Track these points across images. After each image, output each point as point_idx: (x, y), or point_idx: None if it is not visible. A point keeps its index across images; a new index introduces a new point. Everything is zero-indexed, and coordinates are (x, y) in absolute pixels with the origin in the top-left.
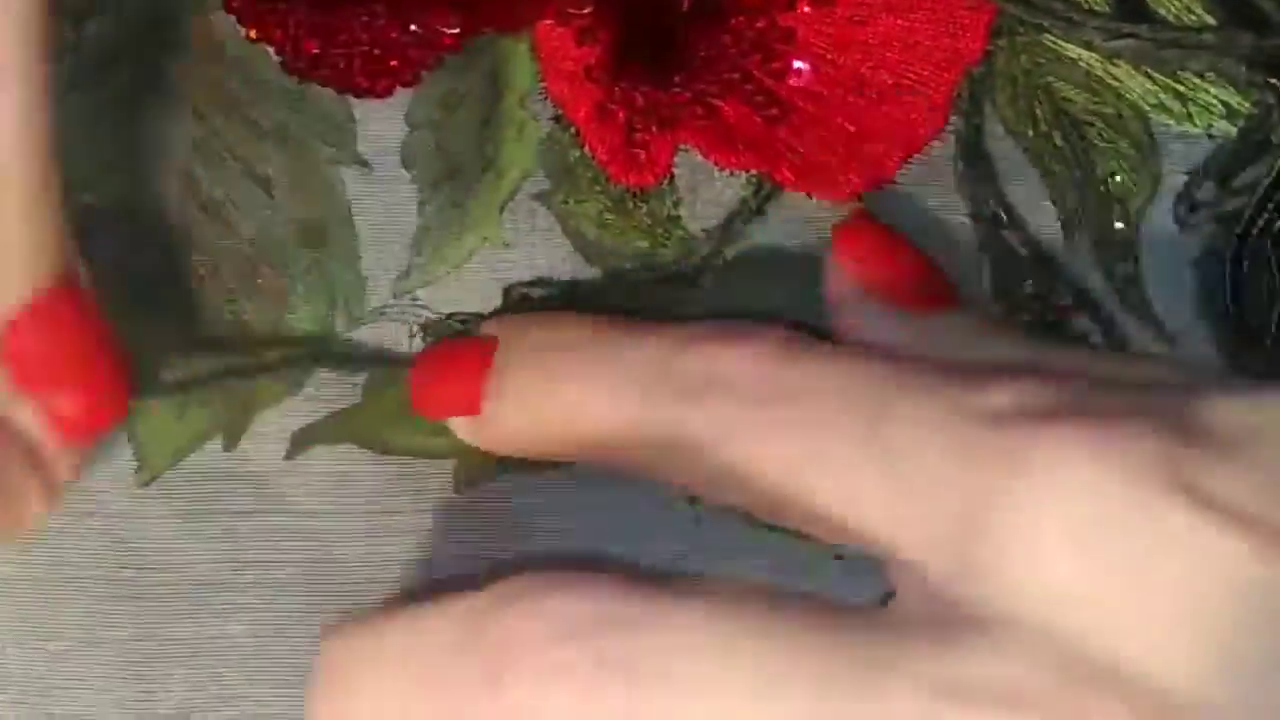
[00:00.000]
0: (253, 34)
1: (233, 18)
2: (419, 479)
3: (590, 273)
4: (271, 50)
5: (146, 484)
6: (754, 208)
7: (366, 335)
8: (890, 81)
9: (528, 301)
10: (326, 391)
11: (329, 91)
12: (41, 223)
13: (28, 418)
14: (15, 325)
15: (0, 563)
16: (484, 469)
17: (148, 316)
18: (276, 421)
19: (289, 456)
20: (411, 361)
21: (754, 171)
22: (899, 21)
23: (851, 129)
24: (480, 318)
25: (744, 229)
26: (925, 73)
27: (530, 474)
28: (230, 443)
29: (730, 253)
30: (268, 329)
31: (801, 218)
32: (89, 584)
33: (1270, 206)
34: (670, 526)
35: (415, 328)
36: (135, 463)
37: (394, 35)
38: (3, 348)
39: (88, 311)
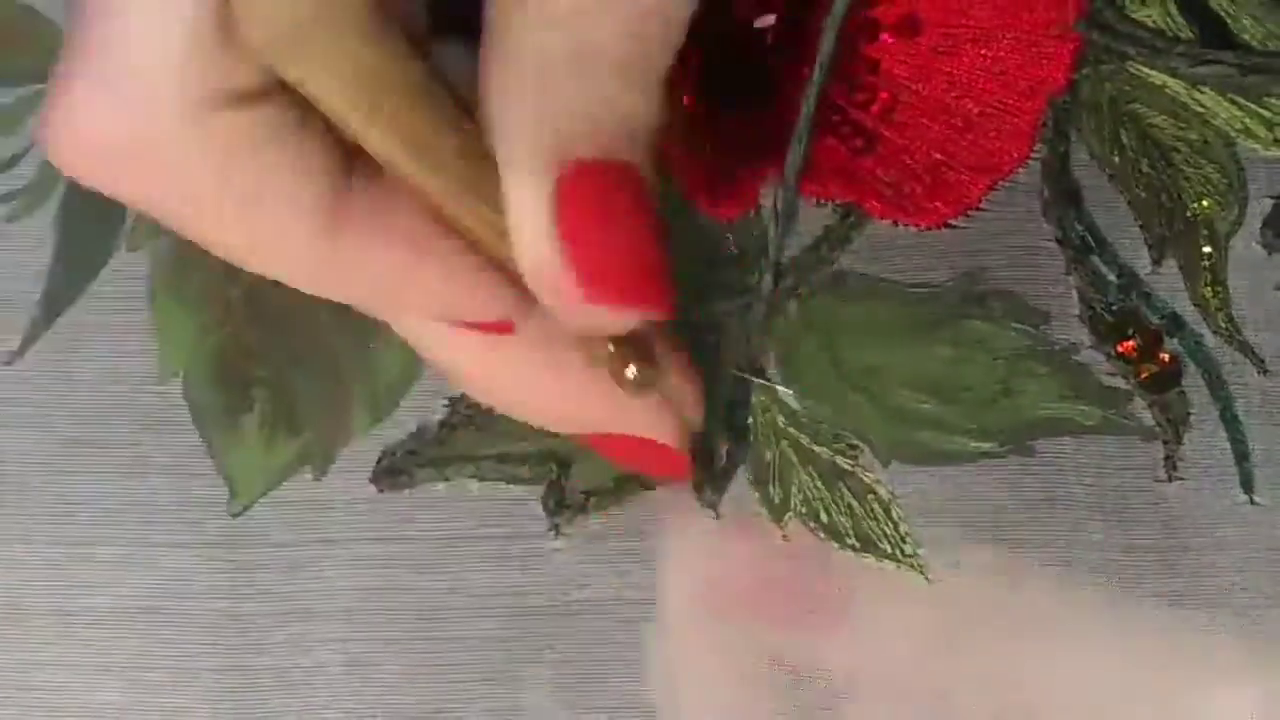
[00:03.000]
0: None
1: None
2: (509, 506)
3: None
4: None
5: (238, 515)
6: (840, 235)
7: None
8: (976, 110)
9: None
10: (412, 423)
11: None
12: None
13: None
14: (575, 173)
15: (97, 593)
16: (573, 496)
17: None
18: (365, 452)
19: (377, 486)
20: None
21: (840, 200)
22: (984, 51)
23: (937, 157)
24: None
25: (830, 256)
26: (1010, 101)
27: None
28: (319, 473)
29: (816, 279)
30: (357, 363)
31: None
32: (181, 615)
33: None
34: None
35: None
36: (228, 493)
37: None
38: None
39: (648, 197)
